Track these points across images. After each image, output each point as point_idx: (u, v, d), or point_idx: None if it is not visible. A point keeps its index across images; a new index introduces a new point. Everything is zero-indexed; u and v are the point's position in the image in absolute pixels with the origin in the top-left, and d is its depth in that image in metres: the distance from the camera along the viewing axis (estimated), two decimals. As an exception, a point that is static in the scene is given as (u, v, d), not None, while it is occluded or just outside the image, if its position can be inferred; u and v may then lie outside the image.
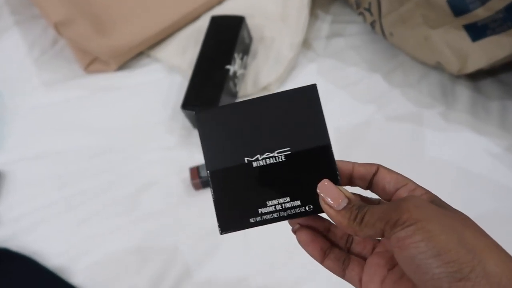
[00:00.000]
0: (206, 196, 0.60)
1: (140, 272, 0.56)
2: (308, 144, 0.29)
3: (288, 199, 0.29)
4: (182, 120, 0.67)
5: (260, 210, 0.29)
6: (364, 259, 0.31)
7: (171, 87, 0.72)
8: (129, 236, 0.59)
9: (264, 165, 0.29)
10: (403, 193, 0.29)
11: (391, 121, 0.65)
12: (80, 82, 0.73)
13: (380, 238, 0.30)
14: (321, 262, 0.30)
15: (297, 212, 0.29)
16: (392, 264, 0.28)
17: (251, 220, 0.29)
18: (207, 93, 0.62)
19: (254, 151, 0.30)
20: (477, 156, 0.61)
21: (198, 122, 0.30)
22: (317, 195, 0.28)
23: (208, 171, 0.30)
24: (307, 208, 0.29)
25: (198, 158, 0.64)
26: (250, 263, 0.56)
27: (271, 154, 0.30)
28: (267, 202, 0.29)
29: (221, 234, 0.29)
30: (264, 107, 0.30)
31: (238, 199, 0.29)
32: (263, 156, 0.30)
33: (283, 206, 0.29)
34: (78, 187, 0.63)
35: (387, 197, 0.30)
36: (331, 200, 0.27)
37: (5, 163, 0.65)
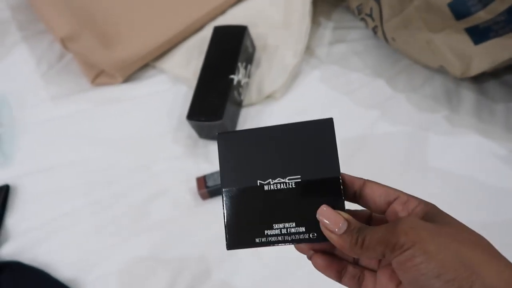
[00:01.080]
0: (213, 206, 0.61)
1: (151, 282, 0.57)
2: (319, 174, 0.31)
3: (293, 224, 0.30)
4: (188, 130, 0.68)
5: (266, 232, 0.31)
6: (375, 272, 0.31)
7: (176, 98, 0.73)
8: (138, 246, 0.59)
9: (274, 189, 0.31)
10: (396, 207, 0.29)
11: (395, 126, 0.65)
12: (87, 95, 0.75)
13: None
14: (339, 281, 0.32)
15: (301, 238, 0.30)
16: (399, 280, 0.29)
17: (257, 240, 0.31)
18: (212, 103, 0.62)
19: (266, 175, 0.31)
20: (483, 159, 0.60)
21: (219, 143, 0.32)
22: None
23: (223, 189, 0.32)
24: (310, 236, 0.30)
25: (204, 167, 0.64)
26: (260, 272, 0.56)
27: (282, 180, 0.31)
28: (274, 225, 0.30)
29: (228, 249, 0.31)
30: (281, 135, 0.32)
31: (247, 219, 0.31)
32: (274, 181, 0.31)
33: (288, 230, 0.30)
34: (87, 199, 0.63)
35: (379, 211, 0.30)
36: (331, 225, 0.28)
37: (14, 177, 0.66)
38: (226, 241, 0.31)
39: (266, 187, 0.31)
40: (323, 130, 0.32)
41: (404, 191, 0.30)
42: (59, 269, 0.58)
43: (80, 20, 0.72)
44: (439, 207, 0.28)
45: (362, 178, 0.31)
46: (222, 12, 0.79)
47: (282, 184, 0.31)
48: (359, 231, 0.27)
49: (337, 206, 0.30)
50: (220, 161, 0.32)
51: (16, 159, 0.69)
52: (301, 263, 0.55)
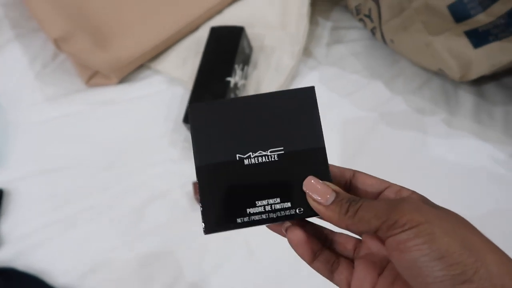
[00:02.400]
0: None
1: (148, 287, 0.56)
2: (303, 145, 0.29)
3: (278, 200, 0.28)
4: (184, 133, 0.67)
5: (248, 210, 0.28)
6: (351, 260, 0.30)
7: (172, 99, 0.72)
8: (134, 251, 0.59)
9: (256, 163, 0.28)
10: (389, 194, 0.28)
11: (393, 128, 0.65)
12: (82, 96, 0.73)
13: (361, 238, 0.30)
14: (310, 263, 0.30)
15: (287, 214, 0.28)
16: (381, 268, 0.28)
17: (239, 220, 0.28)
18: (208, 106, 0.62)
19: (246, 148, 0.29)
20: (481, 162, 0.60)
21: (190, 115, 0.29)
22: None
23: (196, 166, 0.29)
24: (297, 211, 0.28)
25: (201, 171, 0.63)
26: (257, 276, 0.56)
27: (264, 153, 0.29)
28: (256, 202, 0.28)
29: (205, 234, 0.28)
30: (260, 105, 0.29)
31: (226, 198, 0.28)
32: (255, 154, 0.29)
33: (273, 207, 0.28)
34: (83, 203, 0.63)
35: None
36: (318, 197, 0.27)
37: (8, 181, 0.65)
38: (203, 224, 0.28)
39: (246, 161, 0.28)
40: (304, 99, 0.29)
41: None
42: (54, 276, 0.57)
43: (74, 20, 0.70)
44: None
45: (351, 169, 0.30)
46: (219, 12, 0.77)
47: (263, 157, 0.28)
48: (351, 201, 0.26)
49: (324, 177, 0.28)
50: (192, 135, 0.29)
51: (10, 163, 0.68)
52: (300, 266, 0.55)
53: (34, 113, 0.73)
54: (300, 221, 0.30)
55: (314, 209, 0.27)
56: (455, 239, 0.22)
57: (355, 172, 0.30)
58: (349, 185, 0.30)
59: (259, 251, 0.57)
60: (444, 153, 0.62)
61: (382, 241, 0.29)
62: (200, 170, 0.29)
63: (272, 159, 0.28)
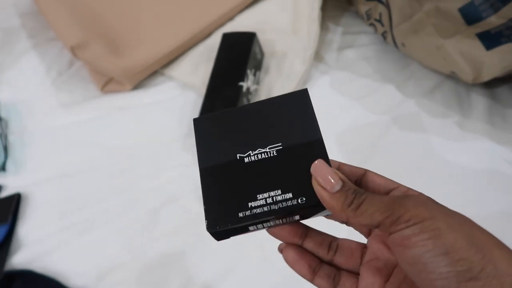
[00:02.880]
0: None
1: (161, 290, 0.57)
2: (300, 139, 0.29)
3: (279, 191, 0.28)
4: (197, 137, 0.68)
5: (250, 204, 0.28)
6: (353, 272, 0.30)
7: (185, 104, 0.73)
8: (149, 254, 0.59)
9: (255, 160, 0.29)
10: (396, 194, 0.28)
11: (406, 132, 0.65)
12: (97, 103, 0.75)
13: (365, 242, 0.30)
14: (311, 280, 0.30)
15: (289, 205, 0.27)
16: (387, 275, 0.28)
17: (240, 214, 0.28)
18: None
19: (246, 148, 0.30)
20: (495, 165, 0.60)
21: (195, 127, 0.31)
22: (309, 187, 0.27)
23: (200, 168, 0.30)
24: (299, 201, 0.27)
25: (214, 175, 0.64)
26: (270, 279, 0.56)
27: (263, 150, 0.29)
28: (258, 196, 0.28)
29: (208, 230, 0.28)
30: (258, 110, 0.31)
31: (228, 196, 0.28)
32: (255, 152, 0.29)
33: (274, 199, 0.28)
34: (98, 207, 0.64)
35: None
36: (325, 181, 0.26)
37: (25, 186, 0.67)
38: (206, 222, 0.28)
39: (246, 159, 0.29)
40: (299, 100, 0.31)
41: None
42: (71, 278, 0.58)
43: (89, 28, 0.72)
44: None
45: (362, 168, 0.30)
46: (230, 18, 0.79)
47: (263, 154, 0.29)
48: (356, 193, 0.25)
49: None
50: (196, 142, 0.31)
51: (27, 167, 0.69)
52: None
53: (50, 119, 0.75)
54: (300, 228, 0.30)
55: (318, 195, 0.26)
56: (461, 235, 0.22)
57: (366, 171, 0.30)
58: (359, 183, 0.30)
59: (272, 254, 0.57)
60: (457, 156, 0.61)
61: (385, 239, 0.29)
62: (202, 171, 0.30)
63: (272, 155, 0.29)
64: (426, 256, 0.22)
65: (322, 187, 0.26)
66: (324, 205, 0.26)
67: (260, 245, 0.58)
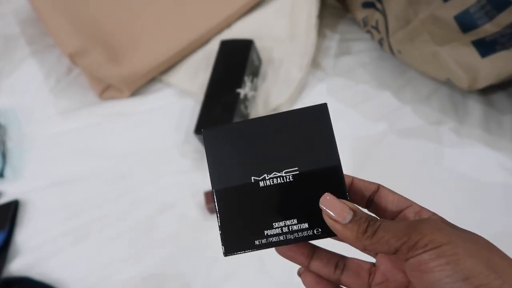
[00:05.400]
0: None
1: (158, 297, 0.57)
2: (317, 164, 0.28)
3: (295, 221, 0.28)
4: (195, 144, 0.68)
5: (266, 232, 0.28)
6: None
7: (183, 111, 0.73)
8: (146, 261, 0.59)
9: (271, 185, 0.28)
10: (408, 214, 0.28)
11: (403, 138, 0.65)
12: (95, 109, 0.75)
13: (374, 261, 0.30)
14: None
15: (304, 235, 0.28)
16: None
17: (256, 242, 0.28)
18: (219, 117, 0.63)
19: (261, 170, 0.29)
20: (491, 171, 0.60)
21: (205, 140, 0.30)
22: None
23: (213, 190, 0.29)
24: (315, 232, 0.28)
25: (212, 181, 0.64)
26: (268, 287, 0.56)
27: (279, 174, 0.28)
28: (273, 224, 0.28)
29: (225, 256, 0.28)
30: (273, 126, 0.29)
31: (243, 220, 0.28)
32: (270, 176, 0.29)
33: (290, 228, 0.28)
34: (95, 213, 0.64)
35: (390, 218, 0.29)
36: (335, 215, 0.26)
37: (23, 192, 0.67)
38: (222, 246, 0.28)
39: (261, 183, 0.28)
40: (318, 117, 0.29)
41: None
42: (69, 285, 0.58)
43: (88, 36, 0.73)
44: (446, 218, 0.27)
45: (375, 183, 0.30)
46: (228, 26, 0.79)
47: (278, 179, 0.28)
48: (369, 221, 0.25)
49: (340, 196, 0.27)
50: (208, 159, 0.29)
51: (25, 174, 0.70)
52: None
53: (48, 126, 0.75)
54: (307, 248, 0.30)
55: (331, 227, 0.26)
56: (480, 260, 0.22)
57: (379, 186, 0.30)
58: (371, 200, 0.30)
59: (270, 261, 0.57)
60: (454, 162, 0.62)
61: (398, 264, 0.28)
62: (217, 193, 0.29)
63: (287, 180, 0.28)
64: (445, 281, 0.22)
65: (333, 219, 0.26)
66: (339, 236, 0.26)
67: (258, 253, 0.58)
